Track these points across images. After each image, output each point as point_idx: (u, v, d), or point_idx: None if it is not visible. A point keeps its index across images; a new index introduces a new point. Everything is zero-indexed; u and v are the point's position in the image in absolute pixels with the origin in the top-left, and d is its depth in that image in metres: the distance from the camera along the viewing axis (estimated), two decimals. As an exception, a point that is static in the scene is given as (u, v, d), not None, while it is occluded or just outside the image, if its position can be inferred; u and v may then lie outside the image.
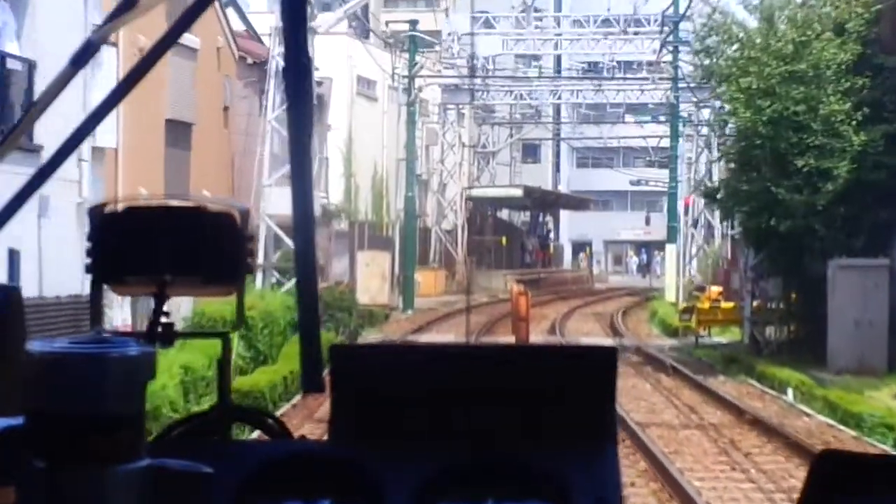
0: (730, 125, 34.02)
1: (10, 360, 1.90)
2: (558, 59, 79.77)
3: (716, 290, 42.17)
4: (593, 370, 2.19)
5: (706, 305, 40.45)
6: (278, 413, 15.85)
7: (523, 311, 36.69)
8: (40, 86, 24.07)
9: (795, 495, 1.98)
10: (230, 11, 43.42)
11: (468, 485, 2.10)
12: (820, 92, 30.56)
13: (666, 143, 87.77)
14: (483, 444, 2.13)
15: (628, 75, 68.30)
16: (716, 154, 65.07)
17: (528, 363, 2.24)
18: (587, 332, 45.40)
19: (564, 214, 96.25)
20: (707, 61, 34.19)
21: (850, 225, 30.83)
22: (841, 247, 30.63)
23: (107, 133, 27.61)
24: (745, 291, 36.65)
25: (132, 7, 2.35)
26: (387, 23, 65.36)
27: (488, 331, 42.16)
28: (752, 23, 32.66)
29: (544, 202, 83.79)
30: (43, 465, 1.61)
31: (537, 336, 39.72)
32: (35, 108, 2.58)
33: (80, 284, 25.06)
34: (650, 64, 63.33)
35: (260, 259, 35.93)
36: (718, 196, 35.35)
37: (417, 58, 57.03)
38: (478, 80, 64.79)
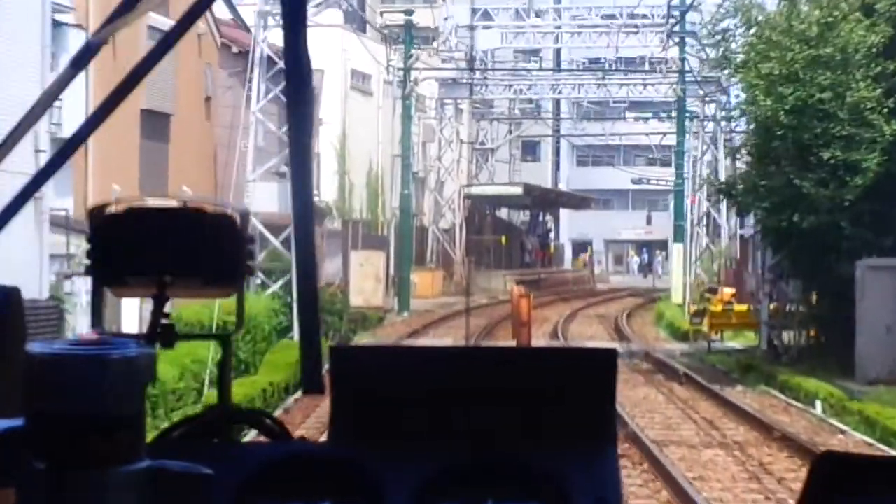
0: (747, 115, 31.58)
1: (10, 361, 1.93)
2: (558, 53, 77.82)
3: (728, 291, 39.86)
4: (593, 371, 2.20)
5: (718, 308, 38.14)
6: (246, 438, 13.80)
7: (525, 316, 34.41)
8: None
9: None
10: (215, -2, 41.04)
11: (468, 485, 2.11)
12: (847, 77, 28.39)
13: (669, 140, 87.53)
14: (483, 444, 2.15)
15: (631, 70, 66.47)
16: (722, 150, 63.92)
17: (528, 364, 2.26)
18: (591, 336, 43.15)
19: (564, 213, 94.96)
20: (719, 50, 31.79)
21: (880, 222, 28.62)
22: (869, 246, 28.46)
23: (73, 122, 25.39)
24: (762, 294, 34.29)
25: (132, 8, 2.36)
26: (382, 13, 63.42)
27: (488, 334, 40.19)
28: (772, 5, 30.33)
29: (545, 201, 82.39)
30: (43, 465, 1.62)
31: (539, 341, 37.51)
32: (35, 109, 2.47)
33: (37, 288, 22.81)
34: (654, 62, 61.48)
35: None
36: (734, 192, 32.95)
37: (414, 52, 55.19)
38: (476, 74, 63.38)
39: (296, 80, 2.35)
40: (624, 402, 26.00)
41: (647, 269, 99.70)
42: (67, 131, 25.59)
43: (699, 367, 32.58)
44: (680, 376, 30.06)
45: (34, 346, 1.62)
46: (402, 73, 54.14)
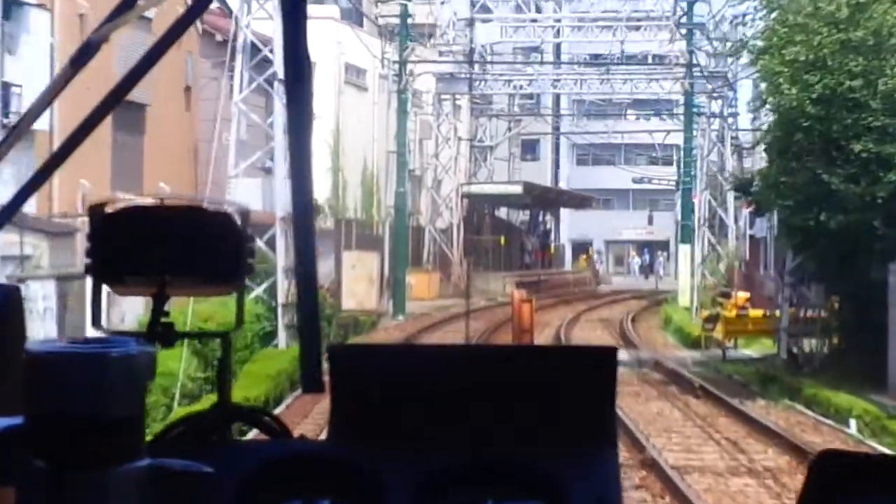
0: (768, 106, 29.14)
1: (10, 360, 1.94)
2: (558, 48, 75.74)
3: (742, 296, 37.46)
4: (593, 370, 2.19)
5: (732, 314, 35.75)
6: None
7: (527, 322, 32.16)
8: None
9: None
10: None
11: (468, 484, 2.12)
12: (881, 63, 26.13)
13: (671, 139, 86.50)
14: (483, 443, 2.15)
15: (634, 67, 65.01)
16: (729, 148, 61.94)
17: (528, 363, 2.26)
18: (595, 341, 40.67)
19: (564, 213, 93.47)
20: (737, 31, 29.37)
21: (916, 221, 26.26)
22: (904, 247, 26.10)
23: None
24: (782, 298, 31.90)
25: (131, 7, 2.40)
26: (377, 2, 61.36)
27: (487, 340, 38.07)
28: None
29: (545, 200, 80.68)
30: (43, 465, 1.64)
31: (542, 347, 35.01)
32: (34, 108, 2.53)
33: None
34: (658, 58, 59.81)
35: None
36: (752, 189, 30.57)
37: (410, 44, 53.78)
38: (475, 69, 62.17)
39: (296, 78, 2.35)
40: (637, 419, 23.73)
41: (648, 270, 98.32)
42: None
43: (715, 378, 30.27)
44: (695, 389, 27.73)
45: (34, 346, 1.65)
46: (397, 66, 52.70)
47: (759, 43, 29.19)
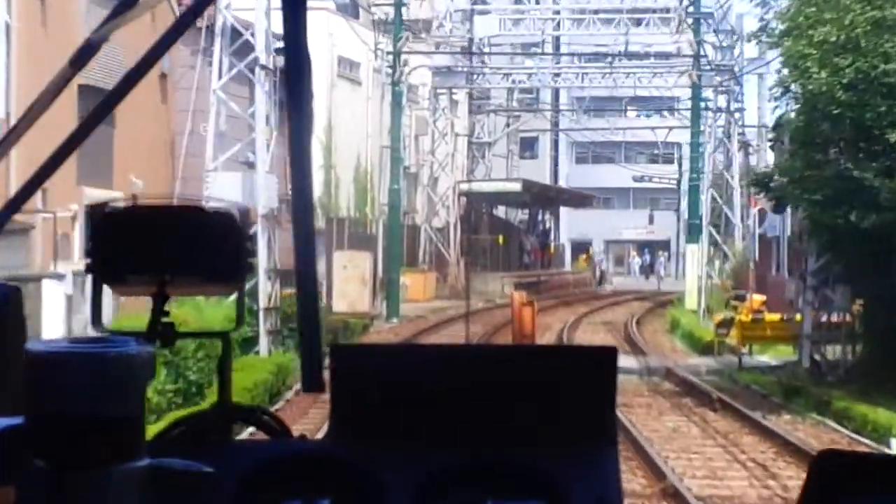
0: (791, 94, 26.74)
1: (10, 360, 1.95)
2: (557, 41, 73.66)
3: (758, 299, 35.12)
4: (593, 370, 2.20)
5: (748, 318, 33.38)
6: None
7: (528, 327, 29.91)
8: None
9: None
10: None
11: (468, 485, 2.13)
12: (920, 45, 23.63)
13: (674, 136, 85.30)
14: (483, 444, 2.16)
15: (638, 62, 63.70)
16: (735, 143, 59.86)
17: (528, 363, 2.27)
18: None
19: (563, 212, 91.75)
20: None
21: (957, 219, 23.89)
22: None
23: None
24: (804, 301, 29.54)
25: (132, 6, 2.42)
26: (371, -7, 59.64)
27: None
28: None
29: (544, 198, 79.00)
30: (43, 464, 1.64)
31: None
32: (34, 108, 2.55)
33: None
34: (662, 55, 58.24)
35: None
36: (772, 184, 28.21)
37: (405, 34, 51.60)
38: (473, 62, 61.39)
39: (296, 77, 2.40)
40: (651, 437, 21.44)
41: (648, 270, 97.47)
42: None
43: (732, 389, 27.95)
44: (713, 401, 25.38)
45: (34, 345, 1.66)
46: (391, 58, 50.83)
47: (781, 26, 26.86)
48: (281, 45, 33.12)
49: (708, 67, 53.16)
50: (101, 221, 2.32)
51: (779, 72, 26.65)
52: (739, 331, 32.51)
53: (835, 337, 29.04)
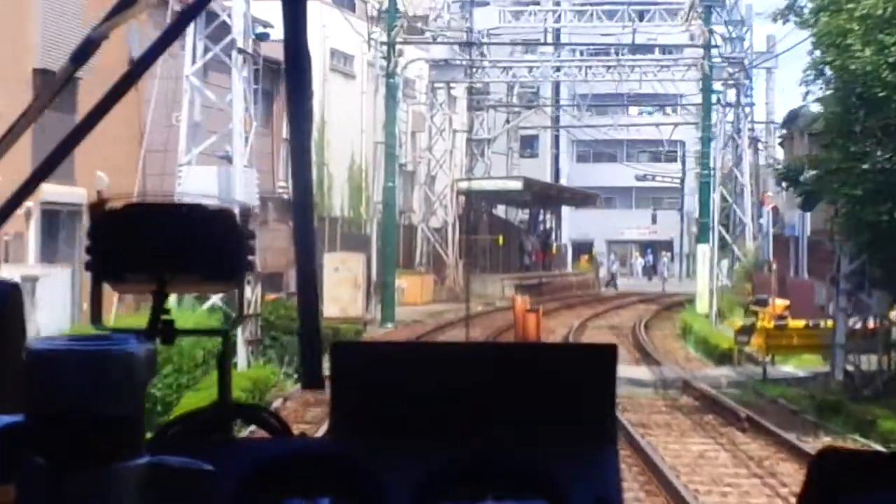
0: (826, 77, 24.05)
1: (9, 360, 1.97)
2: (557, 34, 71.47)
3: (781, 303, 32.46)
4: (593, 370, 2.22)
5: (769, 324, 30.70)
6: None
7: (533, 335, 27.30)
8: None
9: None
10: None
11: (468, 484, 2.13)
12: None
13: (678, 134, 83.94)
14: (483, 443, 2.17)
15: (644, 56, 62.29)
16: (746, 139, 57.64)
17: (528, 361, 2.27)
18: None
19: (564, 212, 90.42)
20: None
21: None
22: None
23: None
24: (836, 307, 26.88)
25: (132, 5, 2.45)
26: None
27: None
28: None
29: (546, 197, 77.55)
30: (43, 463, 1.65)
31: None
32: (34, 107, 2.57)
33: None
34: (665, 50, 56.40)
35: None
36: (802, 178, 25.56)
37: (400, 23, 49.78)
38: (472, 54, 59.50)
39: (297, 76, 2.42)
40: (675, 464, 18.88)
41: (651, 271, 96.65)
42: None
43: (758, 404, 25.35)
44: (741, 420, 22.72)
45: (34, 344, 1.66)
46: (386, 48, 49.02)
47: (811, 3, 24.25)
48: (261, 30, 30.15)
49: (719, 59, 50.88)
50: (100, 219, 2.31)
51: (811, 53, 24.03)
52: (763, 339, 29.79)
53: (871, 346, 26.42)
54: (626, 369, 30.91)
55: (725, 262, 52.12)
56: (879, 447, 16.29)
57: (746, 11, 58.74)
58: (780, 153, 64.85)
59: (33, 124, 2.65)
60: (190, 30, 27.97)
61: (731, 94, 56.37)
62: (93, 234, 2.32)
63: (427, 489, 2.10)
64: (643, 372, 30.86)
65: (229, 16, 27.68)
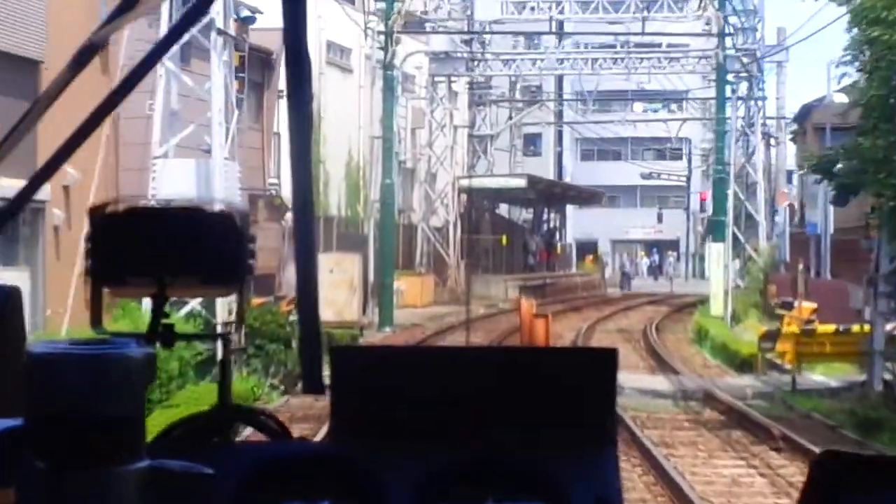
0: (862, 58, 21.78)
1: (9, 361, 1.97)
2: (561, 26, 69.61)
3: (808, 306, 30.14)
4: (593, 371, 2.23)
5: (796, 329, 28.39)
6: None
7: (541, 343, 24.90)
8: None
9: None
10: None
11: (468, 485, 2.13)
12: None
13: (684, 131, 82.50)
14: (483, 444, 2.17)
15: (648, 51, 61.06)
16: (759, 133, 55.65)
17: (529, 364, 2.28)
18: (623, 366, 33.44)
19: (568, 211, 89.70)
20: None
21: None
22: None
23: None
24: (875, 311, 24.59)
25: (132, 7, 2.41)
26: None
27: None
28: None
29: (550, 195, 76.18)
30: (43, 465, 1.66)
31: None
32: (35, 108, 2.54)
33: None
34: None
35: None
36: (836, 168, 23.28)
37: (398, 10, 48.21)
38: (473, 46, 58.79)
39: (296, 71, 2.37)
40: (706, 491, 16.58)
41: (657, 270, 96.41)
42: None
43: (789, 418, 23.04)
44: (775, 438, 20.39)
45: (34, 346, 1.67)
46: (383, 38, 47.71)
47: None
48: (246, 14, 27.62)
49: (733, 49, 48.89)
50: (100, 223, 2.32)
51: (848, 30, 21.73)
52: (792, 345, 27.44)
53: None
54: (642, 378, 28.73)
55: (737, 262, 50.11)
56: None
57: (759, 1, 57.00)
58: (791, 149, 63.25)
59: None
60: (165, 8, 25.72)
61: (742, 88, 54.73)
62: (92, 237, 2.32)
63: (427, 490, 2.11)
64: (660, 382, 28.64)
65: (208, -6, 25.43)
